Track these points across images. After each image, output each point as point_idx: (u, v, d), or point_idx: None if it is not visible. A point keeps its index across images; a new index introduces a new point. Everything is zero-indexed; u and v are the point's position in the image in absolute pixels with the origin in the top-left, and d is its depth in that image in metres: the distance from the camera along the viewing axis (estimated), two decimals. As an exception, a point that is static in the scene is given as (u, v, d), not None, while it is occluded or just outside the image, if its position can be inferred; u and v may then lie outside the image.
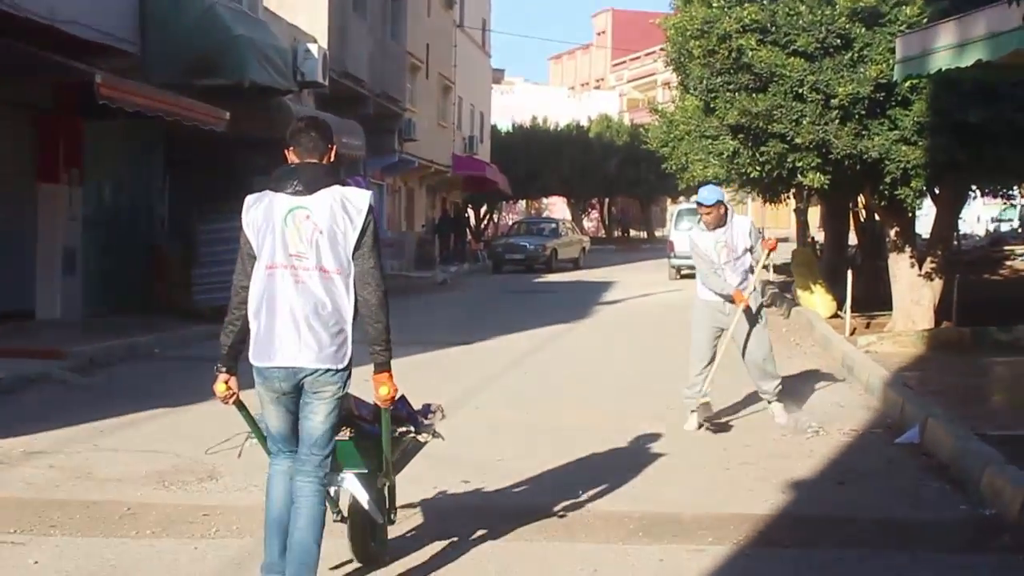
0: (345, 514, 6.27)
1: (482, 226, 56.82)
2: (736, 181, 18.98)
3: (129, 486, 8.25)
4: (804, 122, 14.82)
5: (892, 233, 16.90)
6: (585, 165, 61.85)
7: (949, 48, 9.71)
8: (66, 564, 6.47)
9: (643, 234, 72.94)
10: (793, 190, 21.43)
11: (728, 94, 15.61)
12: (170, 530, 7.11)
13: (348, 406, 6.00)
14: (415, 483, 7.50)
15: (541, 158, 59.67)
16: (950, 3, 12.42)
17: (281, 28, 23.16)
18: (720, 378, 11.00)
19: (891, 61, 13.16)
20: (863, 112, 14.74)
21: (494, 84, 63.48)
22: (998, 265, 27.92)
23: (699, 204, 10.67)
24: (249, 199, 5.71)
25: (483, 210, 56.90)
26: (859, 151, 14.76)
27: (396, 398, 5.80)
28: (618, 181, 63.94)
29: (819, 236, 32.27)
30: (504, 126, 62.05)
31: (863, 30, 14.74)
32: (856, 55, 14.72)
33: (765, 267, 30.96)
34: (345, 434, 5.96)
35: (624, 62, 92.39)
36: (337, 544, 6.43)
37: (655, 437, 10.10)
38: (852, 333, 16.62)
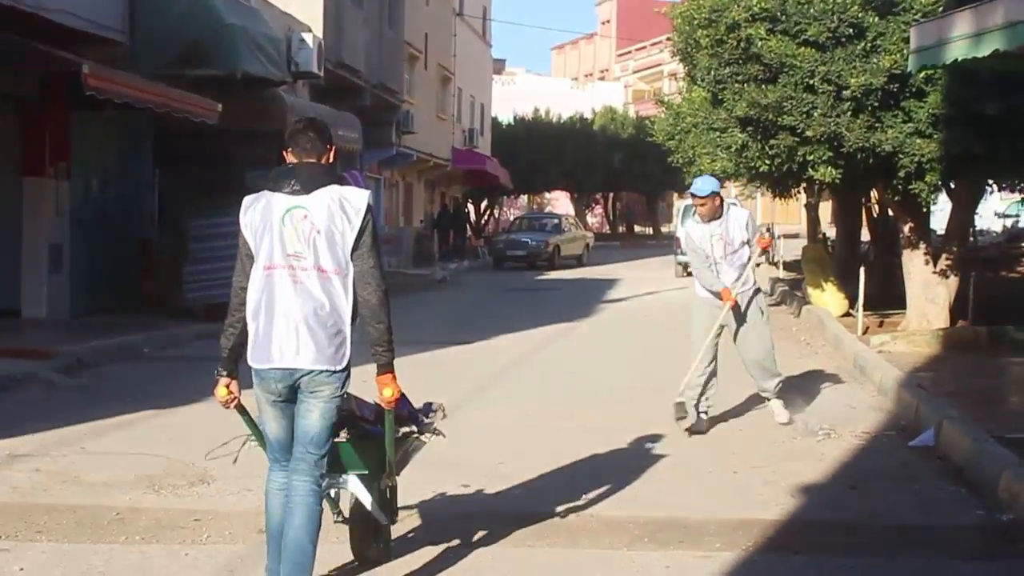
0: (346, 515, 6.37)
1: (482, 222, 56.79)
2: (745, 175, 18.95)
3: (118, 490, 8.25)
4: (815, 114, 14.81)
5: (906, 229, 16.89)
6: (589, 159, 61.81)
7: (966, 37, 9.70)
8: (53, 571, 6.47)
9: (648, 230, 72.88)
10: (804, 185, 21.43)
11: (737, 85, 15.61)
12: (160, 536, 7.12)
13: (350, 407, 6.10)
14: (414, 487, 7.50)
15: (543, 151, 59.64)
16: (966, -9, 12.41)
17: (275, 17, 23.14)
18: (724, 378, 10.99)
19: (905, 51, 13.14)
20: (876, 104, 14.73)
21: (495, 75, 63.44)
22: (1016, 262, 27.90)
23: (693, 195, 10.66)
24: (247, 200, 5.80)
25: (483, 205, 56.86)
26: (872, 144, 14.75)
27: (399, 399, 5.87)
28: (623, 175, 63.86)
29: (830, 232, 32.27)
30: (505, 118, 62.03)
31: (876, 19, 14.74)
32: (869, 45, 14.71)
33: (774, 264, 31.08)
34: (343, 435, 6.03)
35: (629, 52, 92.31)
36: (335, 547, 6.44)
37: (660, 440, 10.10)
38: (864, 332, 16.61)
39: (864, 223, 24.51)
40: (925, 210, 17.07)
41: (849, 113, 14.75)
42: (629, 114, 69.89)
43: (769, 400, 10.96)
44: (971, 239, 23.40)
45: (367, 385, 6.57)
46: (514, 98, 67.55)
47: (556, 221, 44.49)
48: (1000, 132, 13.94)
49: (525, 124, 62.24)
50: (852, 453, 9.64)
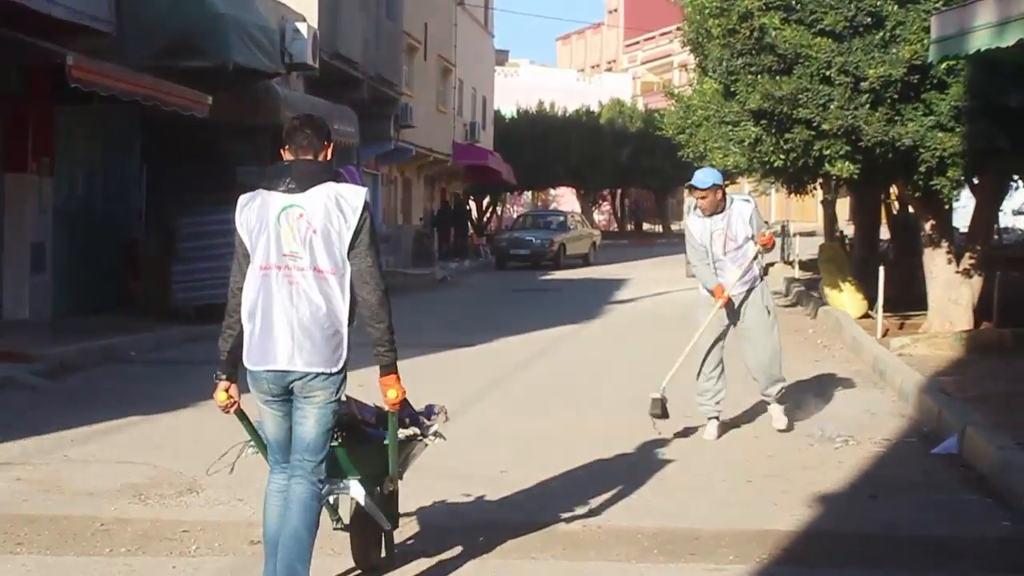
0: (346, 522, 6.45)
1: (484, 219, 56.80)
2: (758, 171, 18.95)
3: (102, 500, 8.23)
4: (832, 107, 14.79)
5: (927, 227, 16.86)
6: (596, 153, 61.79)
7: (989, 27, 9.68)
8: (34, 584, 6.47)
9: (658, 227, 72.85)
10: (820, 180, 21.40)
11: (750, 77, 15.58)
12: (147, 548, 7.11)
13: (351, 411, 6.21)
14: (413, 494, 7.48)
15: (548, 146, 59.59)
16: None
17: (267, 6, 23.15)
18: (738, 382, 10.97)
19: (926, 41, 13.10)
20: (895, 96, 14.70)
21: (497, 66, 63.46)
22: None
23: (693, 187, 10.58)
24: (242, 199, 5.90)
25: (485, 202, 56.86)
26: (891, 138, 14.72)
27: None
28: (631, 171, 63.84)
29: (848, 230, 32.24)
30: (508, 111, 62.01)
31: (895, 7, 14.70)
32: (888, 34, 14.68)
33: (790, 263, 31.03)
34: (336, 438, 6.09)
35: (638, 42, 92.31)
36: (330, 559, 6.42)
37: (671, 447, 10.09)
38: (884, 335, 16.59)
39: (883, 220, 24.49)
40: (947, 207, 17.04)
41: (867, 106, 14.72)
42: (637, 107, 69.82)
43: (769, 404, 10.89)
44: (995, 237, 23.37)
45: (363, 390, 6.57)
46: (518, 90, 67.50)
47: (561, 219, 44.51)
48: (1025, 125, 13.92)
49: (529, 118, 62.19)
50: (871, 461, 9.61)
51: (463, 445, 9.31)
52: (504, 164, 50.80)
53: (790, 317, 21.86)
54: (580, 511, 7.91)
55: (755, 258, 10.54)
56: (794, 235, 35.17)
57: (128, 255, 20.56)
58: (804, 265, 30.44)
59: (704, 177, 10.50)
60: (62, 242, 18.63)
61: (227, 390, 5.94)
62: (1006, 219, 32.64)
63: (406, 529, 7.19)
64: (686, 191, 10.80)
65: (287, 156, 5.91)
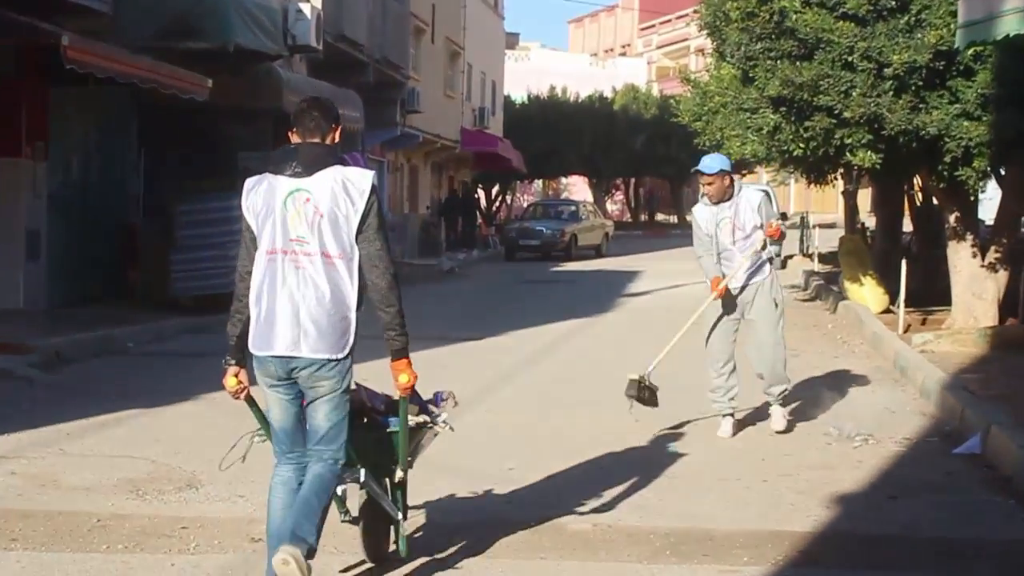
0: (355, 514, 6.52)
1: (494, 208, 56.83)
2: (777, 160, 18.92)
3: (99, 495, 8.28)
4: (854, 94, 14.78)
5: (952, 219, 16.85)
6: (609, 141, 61.75)
7: (1018, 11, 9.66)
8: (29, 581, 6.51)
9: (673, 218, 72.80)
10: (841, 170, 21.40)
11: (769, 62, 15.58)
12: (144, 544, 7.14)
13: (360, 399, 6.31)
14: (419, 491, 7.51)
15: (560, 133, 59.48)
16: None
17: (270, -14, 23.16)
18: (753, 379, 10.98)
19: (952, 25, 13.11)
20: (920, 83, 14.69)
21: (508, 50, 63.41)
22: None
23: (699, 172, 10.51)
24: (248, 182, 6.03)
25: (495, 190, 56.89)
26: (915, 127, 14.71)
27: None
28: (645, 159, 63.84)
29: (870, 222, 32.19)
30: (519, 97, 61.95)
31: (921, -10, 14.72)
32: (913, 19, 14.67)
33: (809, 256, 30.99)
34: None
35: (653, 26, 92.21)
36: (332, 558, 6.46)
37: (684, 445, 10.12)
38: (906, 330, 16.59)
39: (906, 212, 24.46)
40: (972, 198, 17.03)
41: (891, 93, 14.71)
42: (652, 93, 69.80)
43: (771, 405, 10.83)
44: (1022, 230, 23.34)
45: (368, 383, 6.60)
46: (528, 75, 67.46)
47: (573, 208, 44.51)
48: (1055, 114, 13.92)
49: (540, 103, 62.11)
50: (891, 461, 9.63)
51: (471, 441, 9.36)
52: (514, 151, 50.76)
53: (809, 311, 21.88)
54: (590, 510, 7.94)
55: (762, 248, 10.49)
56: (813, 227, 35.17)
57: (125, 243, 20.58)
58: (824, 258, 30.43)
59: (711, 162, 10.45)
60: (57, 229, 18.66)
61: (236, 375, 6.04)
62: None
63: (413, 524, 7.22)
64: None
65: (294, 139, 6.02)
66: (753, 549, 7.12)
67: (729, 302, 10.62)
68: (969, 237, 16.64)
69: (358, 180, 5.87)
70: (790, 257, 34.96)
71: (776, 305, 10.69)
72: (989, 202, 20.44)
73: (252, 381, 6.08)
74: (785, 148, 16.44)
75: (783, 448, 10.07)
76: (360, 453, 6.24)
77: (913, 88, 14.70)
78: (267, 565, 5.94)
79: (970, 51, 13.62)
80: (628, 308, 23.11)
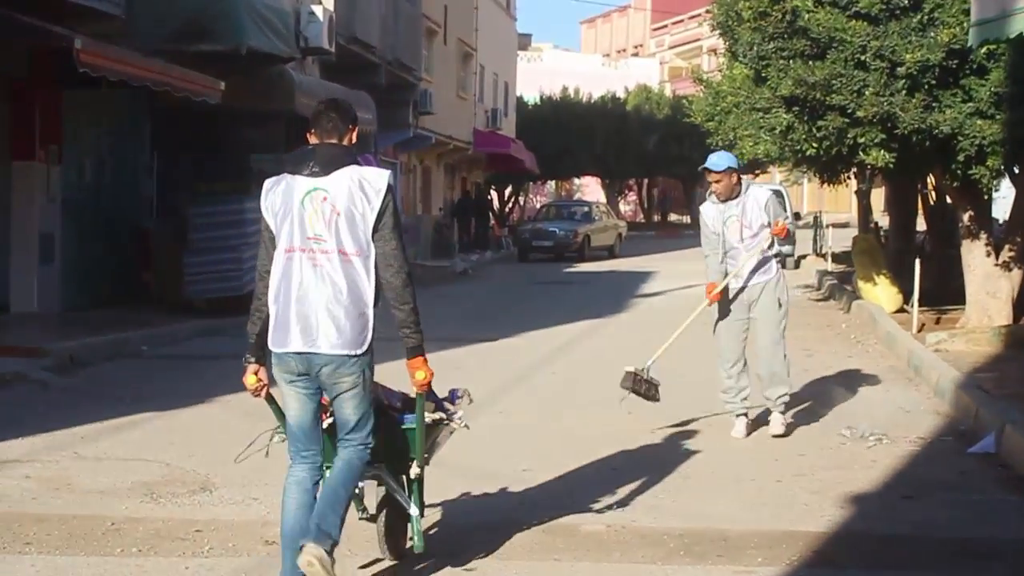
0: (372, 512, 6.62)
1: (506, 209, 56.84)
2: (790, 159, 18.90)
3: (113, 499, 8.29)
4: (867, 93, 14.76)
5: (965, 217, 16.82)
6: (621, 141, 61.77)
7: (1031, 9, 9.64)
8: (43, 584, 6.52)
9: (686, 218, 72.73)
10: (854, 169, 21.36)
11: (781, 62, 15.56)
12: (158, 548, 7.14)
13: (377, 396, 6.37)
14: (433, 491, 7.49)
15: (572, 134, 59.51)
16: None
17: (282, -12, 23.18)
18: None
19: (965, 24, 13.09)
20: (933, 82, 14.67)
21: (520, 51, 63.41)
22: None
23: (707, 170, 10.47)
24: (267, 183, 6.17)
25: (508, 192, 56.92)
26: (928, 125, 14.69)
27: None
28: (658, 159, 63.83)
29: (883, 221, 32.17)
30: (531, 98, 61.99)
31: (933, -11, 14.69)
32: (926, 17, 14.65)
33: (823, 256, 30.92)
34: (326, 422, 6.29)
35: (665, 26, 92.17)
36: (345, 560, 6.46)
37: (698, 445, 10.10)
38: (920, 329, 16.56)
39: (920, 211, 24.43)
40: (986, 197, 17.00)
41: (904, 92, 14.69)
42: (665, 93, 69.81)
43: (771, 411, 10.68)
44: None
45: (384, 382, 6.61)
46: (541, 76, 67.48)
47: (586, 209, 44.51)
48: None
49: (553, 104, 62.16)
50: (906, 460, 9.62)
51: (484, 442, 9.36)
52: (527, 152, 50.78)
53: (823, 311, 21.87)
54: (604, 511, 7.94)
55: (769, 246, 10.46)
56: (827, 226, 35.12)
57: (139, 246, 20.62)
58: (837, 257, 30.39)
59: (718, 160, 10.43)
60: (71, 232, 18.71)
61: (256, 373, 6.15)
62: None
63: (426, 524, 7.22)
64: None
65: (312, 140, 6.14)
66: (767, 550, 7.11)
67: (731, 302, 10.59)
68: (983, 236, 16.60)
69: (375, 179, 5.98)
70: (804, 257, 34.95)
71: (780, 305, 10.62)
72: (1003, 201, 20.42)
73: (272, 380, 6.15)
74: (798, 148, 16.43)
75: (797, 448, 10.05)
76: (378, 450, 6.29)
77: (926, 87, 14.68)
78: (282, 565, 5.98)
79: (983, 49, 13.60)
80: (642, 309, 23.09)
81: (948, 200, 20.60)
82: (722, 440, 10.34)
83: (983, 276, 16.57)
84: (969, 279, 16.82)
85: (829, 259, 30.61)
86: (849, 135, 15.27)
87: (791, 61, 15.36)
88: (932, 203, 22.96)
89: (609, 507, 8.02)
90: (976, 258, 16.65)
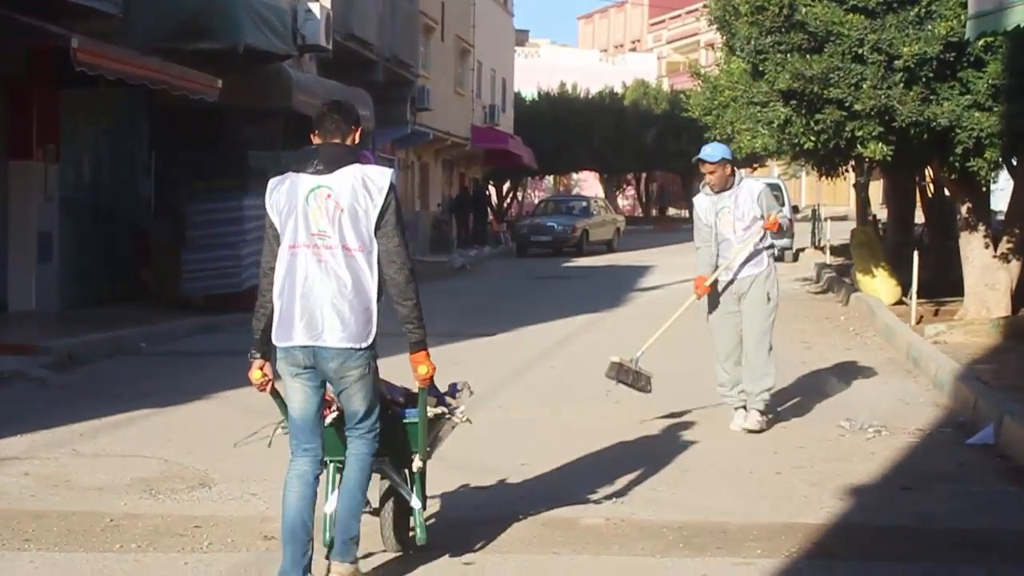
0: (375, 505, 6.70)
1: (505, 205, 56.86)
2: (788, 153, 18.89)
3: (112, 495, 8.28)
4: (864, 86, 14.75)
5: (964, 210, 16.82)
6: (619, 136, 61.75)
7: (1028, 1, 9.63)
8: (42, 581, 6.52)
9: (684, 213, 72.58)
10: (852, 162, 21.33)
11: (779, 56, 15.55)
12: (158, 544, 7.14)
13: (380, 391, 6.44)
14: (432, 486, 7.48)
15: (570, 129, 59.52)
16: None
17: (279, -15, 23.15)
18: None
19: (962, 16, 13.08)
20: (931, 74, 14.67)
21: (517, 47, 63.40)
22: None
23: (701, 161, 10.43)
24: (272, 182, 6.28)
25: (506, 187, 56.94)
26: (926, 118, 14.68)
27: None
28: (656, 154, 63.78)
29: (881, 214, 32.16)
30: (529, 94, 62.01)
31: (930, -19, 14.68)
32: (923, 10, 14.64)
33: (821, 248, 30.91)
34: (328, 417, 6.38)
35: (663, 21, 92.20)
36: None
37: (696, 438, 10.10)
38: (919, 321, 16.56)
39: (918, 204, 24.43)
40: (984, 189, 16.99)
41: (901, 85, 14.69)
42: (663, 88, 69.80)
43: (748, 408, 10.48)
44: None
45: (385, 376, 6.63)
46: (538, 72, 67.52)
47: (584, 204, 44.50)
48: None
49: (550, 100, 62.17)
50: (905, 452, 9.61)
51: (483, 436, 9.34)
52: (525, 148, 50.79)
53: (821, 303, 21.88)
54: (603, 504, 7.94)
55: (760, 239, 10.43)
56: (825, 219, 35.14)
57: (137, 244, 20.62)
58: (836, 250, 30.40)
59: (713, 151, 10.39)
60: (69, 231, 18.70)
61: (262, 368, 6.22)
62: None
63: (426, 517, 7.21)
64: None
65: (316, 141, 6.25)
66: (767, 542, 7.11)
67: (721, 294, 10.57)
68: (981, 228, 16.60)
69: (377, 177, 6.09)
70: (802, 250, 34.96)
71: (769, 299, 10.54)
72: (1001, 193, 20.43)
73: (277, 375, 6.21)
74: (796, 141, 16.42)
75: (796, 440, 10.05)
76: (381, 443, 6.36)
77: (924, 80, 14.68)
78: (282, 560, 6.02)
79: (981, 42, 13.59)
80: (640, 303, 23.09)
81: (946, 192, 20.58)
82: (720, 432, 10.34)
83: (981, 268, 16.57)
84: (967, 271, 16.82)
85: (827, 252, 30.61)
86: (847, 128, 15.27)
87: (788, 55, 15.36)
88: (930, 195, 22.96)
89: (608, 500, 8.03)
90: (974, 250, 16.65)
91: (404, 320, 6.15)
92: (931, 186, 22.54)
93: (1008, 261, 16.48)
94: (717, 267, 10.51)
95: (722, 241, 10.47)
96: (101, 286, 19.54)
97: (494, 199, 54.77)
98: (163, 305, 19.08)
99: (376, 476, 6.53)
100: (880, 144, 15.26)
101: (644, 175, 71.53)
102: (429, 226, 41.21)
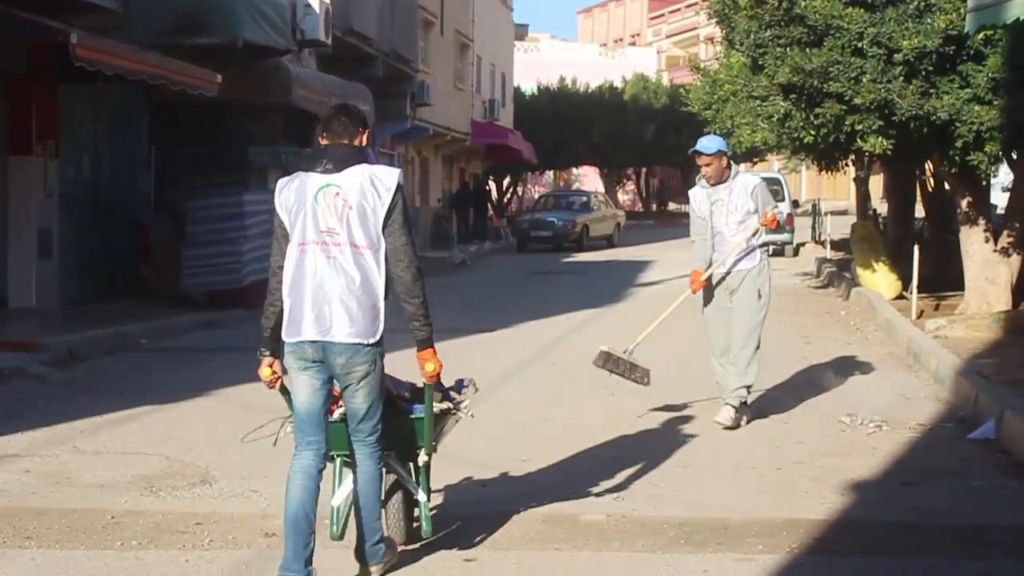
0: (382, 498, 6.67)
1: (505, 200, 56.82)
2: (788, 147, 18.90)
3: (113, 492, 8.28)
4: (864, 80, 14.75)
5: (964, 204, 16.82)
6: (619, 131, 61.69)
7: (1028, -5, 9.62)
8: (43, 579, 6.51)
9: (684, 207, 72.62)
10: (852, 157, 21.35)
11: (778, 49, 15.55)
12: (158, 541, 7.14)
13: (387, 386, 6.54)
14: (433, 482, 7.49)
15: (570, 124, 59.51)
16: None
17: (278, -20, 23.13)
18: (765, 368, 10.94)
19: (962, 10, 13.08)
20: (930, 68, 14.66)
21: (517, 41, 63.38)
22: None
23: (697, 153, 10.41)
24: (281, 181, 6.38)
25: (506, 182, 56.90)
26: (926, 112, 14.68)
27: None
28: (656, 148, 63.71)
29: (882, 208, 32.16)
30: (529, 88, 61.96)
31: (930, -25, 14.67)
32: (922, 4, 14.64)
33: (821, 243, 30.88)
34: (335, 413, 6.46)
35: (663, 15, 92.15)
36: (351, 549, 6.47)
37: (697, 434, 10.09)
38: (919, 316, 16.56)
39: (918, 198, 24.43)
40: (985, 183, 16.99)
41: (901, 78, 14.68)
42: (662, 82, 69.76)
43: (726, 403, 10.43)
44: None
45: (390, 372, 6.65)
46: (538, 66, 67.41)
47: (584, 199, 44.47)
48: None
49: (550, 94, 62.14)
50: (906, 447, 9.61)
51: (483, 432, 9.35)
52: (525, 143, 50.77)
53: (822, 298, 21.88)
54: (604, 500, 7.94)
55: (754, 234, 10.40)
56: (826, 214, 35.14)
57: (137, 240, 20.61)
58: (836, 245, 30.39)
59: (708, 143, 10.39)
60: (69, 227, 18.69)
61: (271, 365, 6.34)
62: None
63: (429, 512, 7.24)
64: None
65: (323, 143, 6.36)
66: (768, 537, 7.10)
67: (715, 288, 10.55)
68: (981, 222, 16.60)
69: (385, 177, 6.20)
70: (802, 244, 34.95)
71: (759, 296, 10.50)
72: (1001, 186, 20.41)
73: (285, 371, 6.29)
74: (796, 135, 16.43)
75: (796, 436, 10.05)
76: (387, 438, 6.43)
77: (923, 73, 14.67)
78: (284, 553, 6.07)
79: (980, 35, 13.59)
80: (640, 298, 23.06)
81: (946, 186, 20.59)
82: (721, 430, 10.31)
83: (982, 262, 16.56)
84: (968, 265, 16.81)
85: (828, 246, 30.60)
86: (847, 122, 15.27)
87: (788, 48, 15.35)
88: (930, 190, 22.96)
89: (609, 496, 8.03)
90: (975, 244, 16.65)
91: (411, 317, 6.24)
92: (931, 180, 22.54)
93: (1009, 255, 16.48)
94: (712, 262, 10.49)
95: (716, 234, 10.44)
96: (101, 282, 19.54)
97: (494, 194, 54.74)
98: (163, 301, 19.09)
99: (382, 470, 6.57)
100: (880, 138, 15.27)
101: (644, 170, 71.51)
102: (429, 221, 41.20)
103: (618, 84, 66.28)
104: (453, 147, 45.31)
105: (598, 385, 12.32)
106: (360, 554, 6.36)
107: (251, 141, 21.12)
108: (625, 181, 73.97)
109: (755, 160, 48.95)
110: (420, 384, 6.58)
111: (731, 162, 10.52)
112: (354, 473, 6.36)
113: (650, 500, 7.99)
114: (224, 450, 9.27)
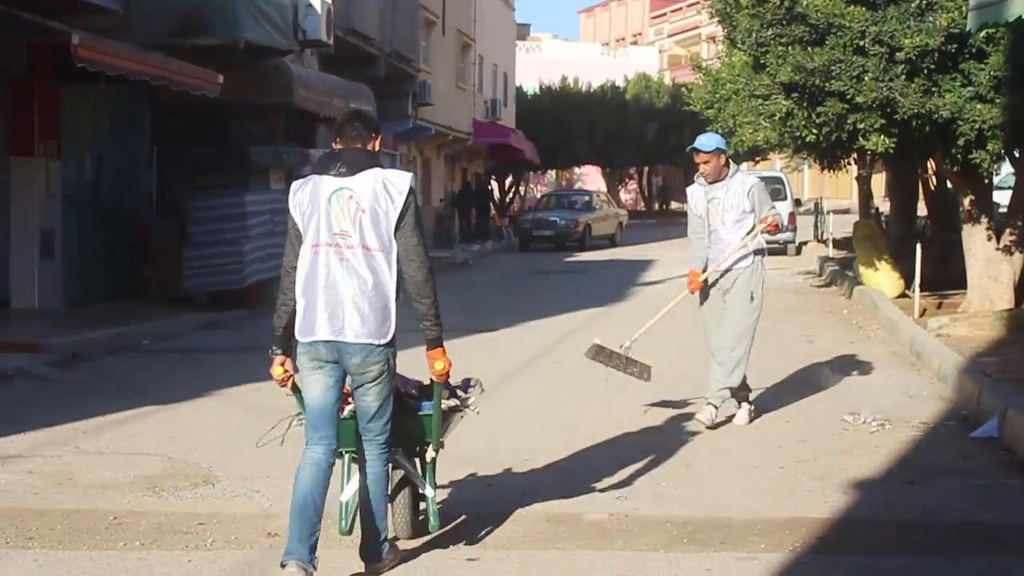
0: (388, 493, 6.78)
1: (507, 200, 56.81)
2: (790, 146, 18.89)
3: (115, 493, 8.29)
4: (866, 78, 14.74)
5: (966, 202, 16.81)
6: (621, 130, 61.66)
7: (1029, -8, 9.61)
8: (46, 579, 6.51)
9: (686, 206, 72.66)
10: (854, 155, 21.35)
11: (780, 48, 15.54)
12: (161, 541, 7.14)
13: (396, 384, 6.63)
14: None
15: (572, 123, 59.51)
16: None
17: (279, -19, 23.12)
18: (764, 366, 10.94)
19: (964, 8, 13.06)
20: (932, 66, 14.65)
21: (519, 41, 63.37)
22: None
23: (695, 150, 10.39)
24: (295, 184, 6.54)
25: (508, 182, 56.88)
26: (928, 110, 14.67)
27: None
28: (658, 148, 63.71)
29: (884, 206, 32.16)
30: (531, 88, 61.95)
31: (931, -27, 14.66)
32: (924, 2, 14.63)
33: (823, 242, 30.84)
34: (346, 410, 6.58)
35: (664, 14, 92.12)
36: (353, 549, 6.47)
37: (700, 433, 10.10)
38: (921, 314, 16.56)
39: (920, 196, 24.42)
40: (987, 181, 16.99)
41: (903, 77, 14.67)
42: (664, 81, 69.71)
43: (708, 401, 10.42)
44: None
45: (402, 369, 6.69)
46: (540, 66, 67.40)
47: (586, 198, 44.44)
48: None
49: (552, 94, 62.11)
50: (909, 445, 9.61)
51: (486, 431, 9.36)
52: (527, 142, 50.77)
53: (824, 297, 21.87)
54: (606, 499, 7.94)
55: (750, 233, 10.36)
56: (828, 212, 35.09)
57: (139, 240, 20.60)
58: (838, 243, 30.37)
59: (707, 140, 10.38)
60: (71, 228, 18.68)
61: (283, 364, 6.46)
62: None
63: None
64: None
65: (337, 147, 6.50)
66: (771, 536, 7.11)
67: (711, 288, 10.53)
68: (984, 220, 16.59)
69: (398, 181, 6.34)
70: (805, 243, 34.93)
71: (752, 298, 10.45)
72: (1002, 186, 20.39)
73: (296, 370, 6.39)
74: (798, 134, 16.42)
75: (799, 434, 10.05)
76: (395, 434, 6.53)
77: (925, 71, 14.67)
78: (288, 541, 6.15)
79: (982, 33, 13.58)
80: (642, 297, 23.05)
81: (948, 185, 20.58)
82: (724, 427, 10.33)
83: (984, 260, 16.56)
84: (970, 263, 16.81)
85: (830, 245, 30.58)
86: (849, 121, 15.26)
87: (790, 47, 15.34)
88: (933, 188, 22.95)
89: (611, 495, 8.04)
90: (977, 242, 16.64)
91: (422, 317, 6.38)
92: (933, 178, 22.53)
93: (1011, 253, 16.47)
94: (709, 260, 10.47)
95: (712, 232, 10.43)
96: (103, 283, 19.52)
97: (496, 194, 54.73)
98: (165, 302, 19.09)
99: (389, 471, 6.61)
100: (882, 136, 15.27)
101: (646, 169, 71.48)
102: (432, 221, 41.19)
103: (620, 83, 66.24)
104: (455, 147, 45.31)
105: (600, 384, 12.30)
106: (365, 553, 6.42)
107: (253, 141, 21.12)
108: (627, 180, 73.97)
109: (757, 159, 48.96)
110: (427, 382, 6.72)
111: (730, 160, 10.50)
112: (361, 472, 6.46)
113: (653, 499, 7.99)
114: (227, 450, 9.27)
